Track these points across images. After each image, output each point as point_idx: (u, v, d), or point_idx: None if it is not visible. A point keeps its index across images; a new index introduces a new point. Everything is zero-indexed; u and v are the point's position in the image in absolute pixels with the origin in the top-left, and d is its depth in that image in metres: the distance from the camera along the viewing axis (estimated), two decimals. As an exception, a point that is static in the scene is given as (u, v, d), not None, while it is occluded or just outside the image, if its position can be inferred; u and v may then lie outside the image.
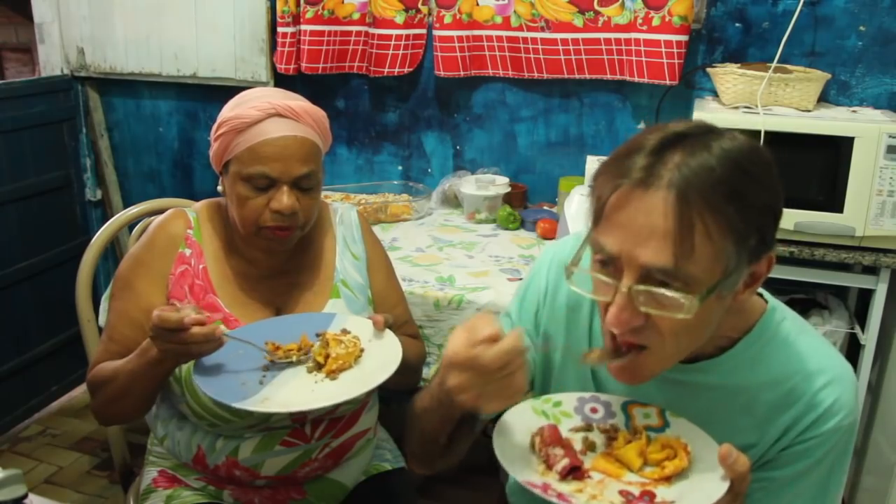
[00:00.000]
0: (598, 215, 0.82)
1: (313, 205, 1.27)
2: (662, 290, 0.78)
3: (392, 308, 1.41)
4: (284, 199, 1.21)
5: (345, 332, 1.23)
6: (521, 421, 0.92)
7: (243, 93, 1.29)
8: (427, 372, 1.80)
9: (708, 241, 0.77)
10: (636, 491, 0.83)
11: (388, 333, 1.22)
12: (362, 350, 1.20)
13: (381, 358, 1.17)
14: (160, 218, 1.34)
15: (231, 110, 1.25)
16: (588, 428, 0.94)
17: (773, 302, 0.97)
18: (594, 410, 0.96)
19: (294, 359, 1.19)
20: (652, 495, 0.82)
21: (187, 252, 1.30)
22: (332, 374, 1.16)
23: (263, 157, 1.20)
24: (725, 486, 0.80)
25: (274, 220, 1.22)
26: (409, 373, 1.38)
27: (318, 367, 1.18)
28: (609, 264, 0.82)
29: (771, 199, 0.82)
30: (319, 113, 1.28)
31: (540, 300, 1.07)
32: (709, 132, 0.82)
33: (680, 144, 0.79)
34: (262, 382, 1.14)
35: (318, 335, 1.22)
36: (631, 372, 0.87)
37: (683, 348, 0.86)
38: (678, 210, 0.76)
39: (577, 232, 1.14)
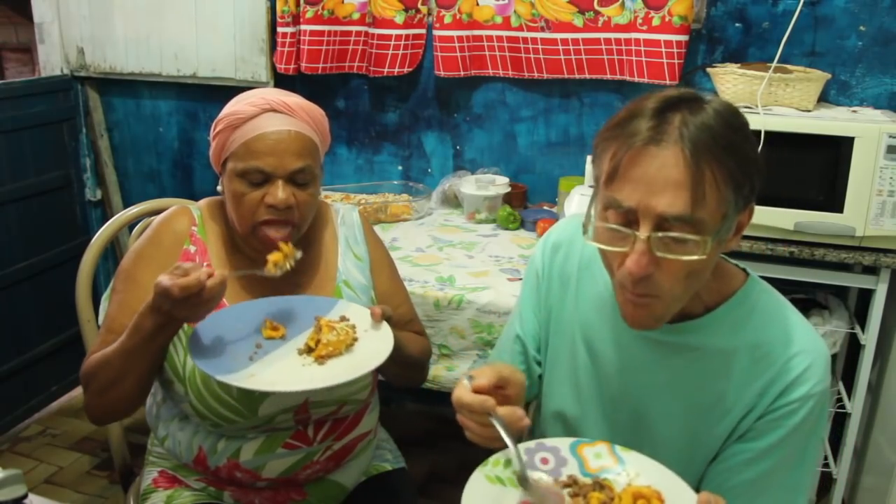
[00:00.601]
0: (612, 175, 0.89)
1: (310, 201, 1.26)
2: (681, 234, 0.86)
3: (397, 307, 1.41)
4: (279, 192, 1.20)
5: (343, 318, 1.23)
6: (482, 496, 0.88)
7: (242, 93, 1.29)
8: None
9: (715, 189, 0.86)
10: None
11: (384, 326, 1.21)
12: (355, 339, 1.20)
13: (372, 349, 1.17)
14: (164, 214, 1.33)
15: (227, 108, 1.26)
16: None
17: (755, 276, 1.04)
18: (545, 461, 0.93)
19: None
20: None
21: (192, 249, 1.30)
22: (321, 360, 1.16)
23: (257, 152, 1.20)
24: None
25: (269, 213, 1.22)
26: (414, 369, 1.39)
27: (309, 350, 1.18)
28: (625, 217, 0.89)
29: (755, 153, 0.92)
30: (316, 110, 1.28)
31: (539, 277, 1.18)
32: (697, 96, 0.90)
33: (677, 107, 0.88)
34: (251, 359, 1.15)
35: (316, 318, 1.22)
36: (643, 314, 0.93)
37: (688, 292, 0.93)
38: (691, 162, 0.85)
39: (570, 215, 1.23)
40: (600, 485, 0.90)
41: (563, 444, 0.95)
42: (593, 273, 1.10)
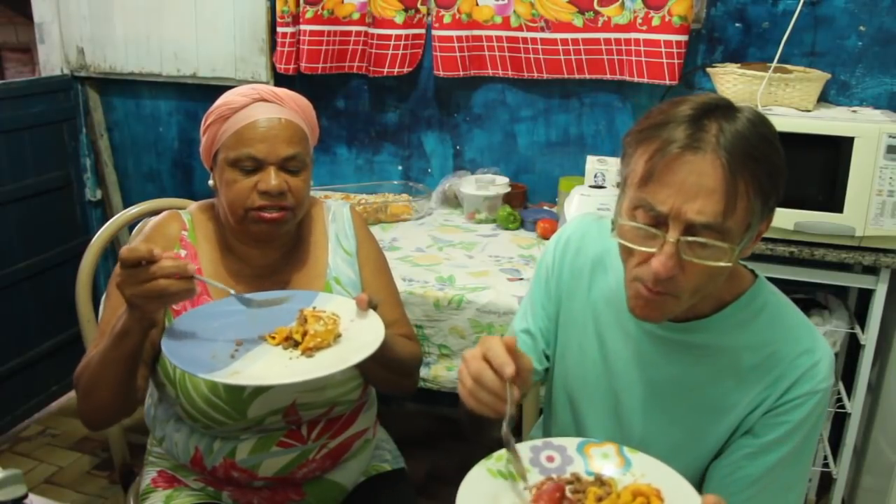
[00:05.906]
0: (647, 178, 0.90)
1: (303, 187, 1.26)
2: (708, 241, 0.88)
3: (382, 305, 1.40)
4: (272, 179, 1.21)
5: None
6: (485, 490, 0.86)
7: (230, 90, 1.31)
8: (426, 372, 1.80)
9: (746, 200, 0.88)
10: None
11: (372, 314, 1.18)
12: (338, 335, 1.15)
13: (362, 338, 1.12)
14: (155, 219, 1.34)
15: (217, 102, 1.29)
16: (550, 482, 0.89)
17: (763, 277, 1.06)
18: (550, 459, 0.93)
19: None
20: None
21: (182, 253, 1.30)
22: (309, 352, 1.11)
23: (249, 140, 1.22)
24: None
25: (262, 199, 1.22)
26: (401, 373, 1.34)
27: (295, 344, 1.13)
28: (654, 219, 0.90)
29: (783, 161, 0.93)
30: (305, 101, 1.31)
31: (549, 272, 1.19)
32: (730, 103, 0.92)
33: (713, 113, 0.89)
34: (233, 356, 1.09)
35: (299, 310, 1.17)
36: (654, 309, 0.95)
37: (703, 294, 0.95)
38: (727, 172, 0.86)
39: (582, 214, 1.25)
40: (601, 481, 0.90)
41: (570, 443, 0.95)
42: (605, 268, 1.13)
